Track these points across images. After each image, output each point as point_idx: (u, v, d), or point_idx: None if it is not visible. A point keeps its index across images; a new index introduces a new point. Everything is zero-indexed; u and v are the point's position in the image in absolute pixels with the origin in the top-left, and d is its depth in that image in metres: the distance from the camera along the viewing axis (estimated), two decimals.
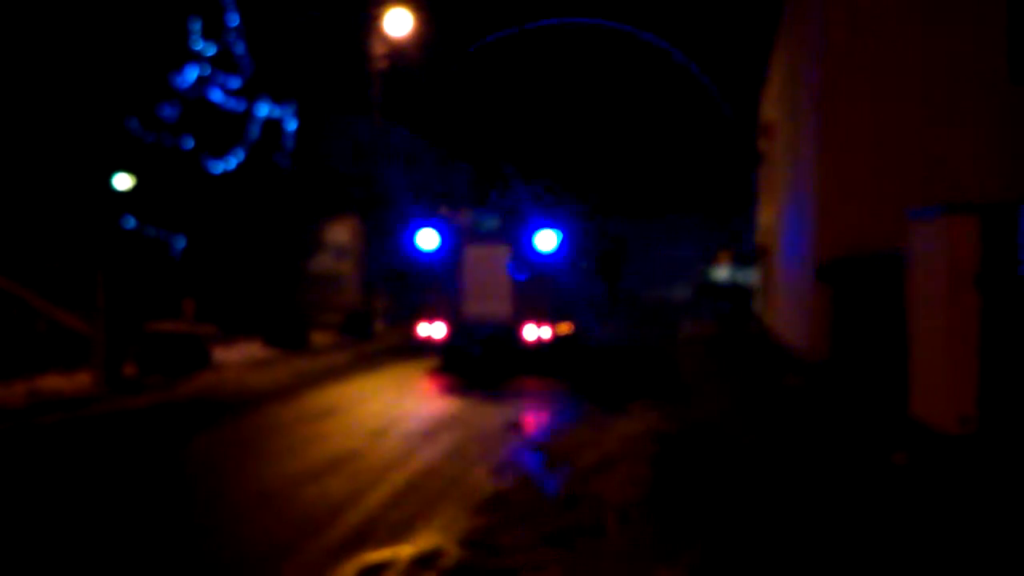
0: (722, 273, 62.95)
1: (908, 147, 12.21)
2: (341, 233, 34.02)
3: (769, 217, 24.36)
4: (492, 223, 17.51)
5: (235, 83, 29.03)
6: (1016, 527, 6.20)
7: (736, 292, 55.47)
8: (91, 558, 5.99)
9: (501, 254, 16.84)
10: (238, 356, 17.79)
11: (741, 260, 58.51)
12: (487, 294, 16.75)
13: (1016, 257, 7.16)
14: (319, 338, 22.60)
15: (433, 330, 16.77)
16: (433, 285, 17.10)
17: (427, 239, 17.23)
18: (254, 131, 29.56)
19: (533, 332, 16.30)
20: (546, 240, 16.74)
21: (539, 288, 16.60)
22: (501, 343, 16.54)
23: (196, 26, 28.03)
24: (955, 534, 6.10)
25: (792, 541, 6.02)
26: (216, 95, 28.56)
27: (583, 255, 18.80)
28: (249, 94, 29.39)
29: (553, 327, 16.50)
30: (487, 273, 16.79)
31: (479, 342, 16.76)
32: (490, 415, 11.77)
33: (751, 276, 53.12)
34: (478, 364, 16.87)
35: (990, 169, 11.66)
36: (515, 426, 10.92)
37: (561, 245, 16.91)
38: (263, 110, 29.85)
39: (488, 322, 16.59)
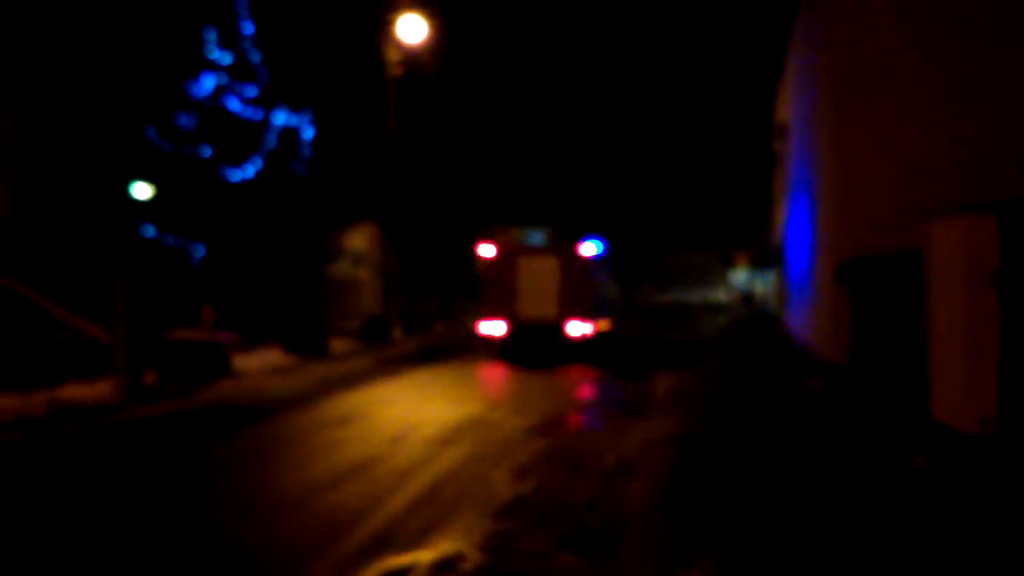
0: (740, 276, 63.10)
1: (925, 147, 12.17)
2: (359, 240, 34.11)
3: (786, 217, 24.30)
4: (539, 238, 21.04)
5: (251, 92, 29.17)
6: None
7: (751, 295, 56.07)
8: (114, 565, 6.02)
9: (548, 264, 20.11)
10: (258, 363, 17.88)
11: (759, 262, 58.63)
12: (537, 297, 19.96)
13: None
14: (338, 344, 22.69)
15: (494, 328, 20.21)
16: (493, 291, 20.46)
17: (487, 252, 20.70)
18: (271, 139, 29.69)
19: (577, 328, 19.64)
20: (588, 250, 20.13)
21: (580, 291, 19.90)
22: (550, 338, 19.76)
23: (212, 35, 28.21)
24: (976, 535, 6.08)
25: (812, 545, 6.02)
26: (233, 104, 28.71)
27: (611, 265, 22.48)
28: (266, 102, 29.53)
29: (594, 324, 19.95)
30: (537, 280, 20.06)
31: (532, 337, 20.07)
32: (510, 419, 11.79)
33: (769, 279, 53.58)
34: (531, 355, 19.89)
35: (1009, 169, 11.60)
36: (534, 430, 10.92)
37: (599, 254, 20.53)
38: (280, 118, 29.97)
39: (539, 321, 19.85)
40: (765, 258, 54.53)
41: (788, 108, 23.40)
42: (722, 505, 7.06)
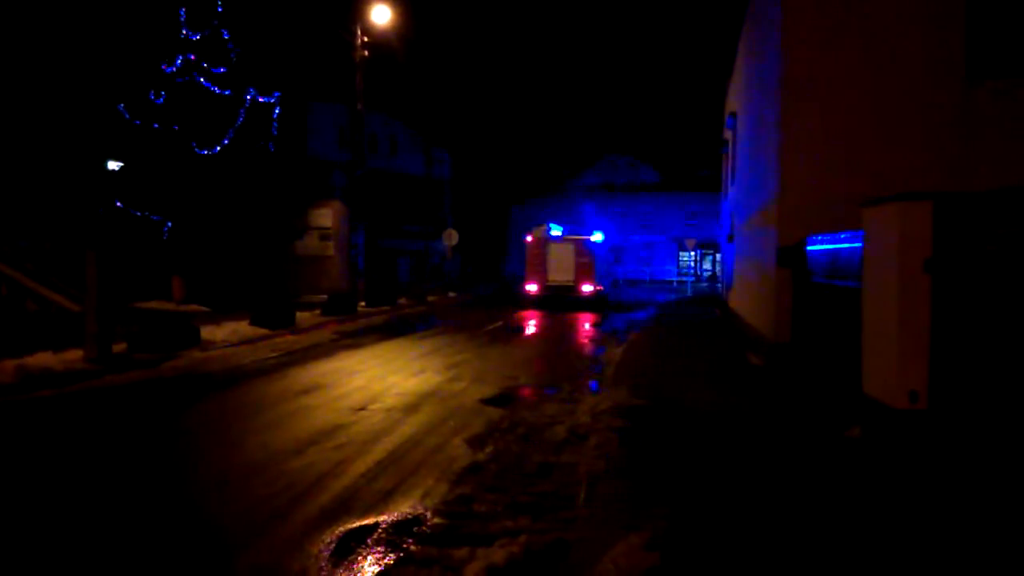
0: (689, 258, 65.11)
1: (867, 136, 12.51)
2: (325, 217, 34.31)
3: (734, 203, 24.76)
4: (560, 231, 32.23)
5: (222, 69, 29.19)
6: (955, 489, 6.58)
7: (712, 275, 58.07)
8: (80, 527, 6.22)
9: (567, 248, 31.58)
10: (226, 334, 18.01)
11: (707, 245, 60.80)
12: (560, 269, 31.40)
13: (966, 243, 7.50)
14: (305, 317, 22.85)
15: (532, 288, 31.68)
16: (532, 265, 31.87)
17: (528, 239, 32.11)
18: (240, 116, 29.72)
19: (586, 289, 31.23)
20: (592, 239, 31.82)
21: (587, 266, 31.33)
22: (567, 294, 31.11)
23: (183, 14, 28.17)
24: (902, 496, 6.46)
25: (751, 507, 6.34)
26: (203, 81, 28.71)
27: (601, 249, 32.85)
28: (235, 80, 29.55)
29: (595, 286, 31.34)
30: (560, 258, 31.47)
31: (556, 294, 31.16)
32: (469, 390, 12.10)
33: (717, 260, 55.57)
34: (554, 304, 30.94)
35: (946, 162, 11.97)
36: (492, 400, 11.27)
37: (598, 243, 32.04)
38: (249, 96, 30.00)
39: (561, 284, 31.31)
40: (712, 242, 56.75)
41: (737, 97, 23.74)
42: (667, 471, 7.34)
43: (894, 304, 7.83)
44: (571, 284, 31.00)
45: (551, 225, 32.23)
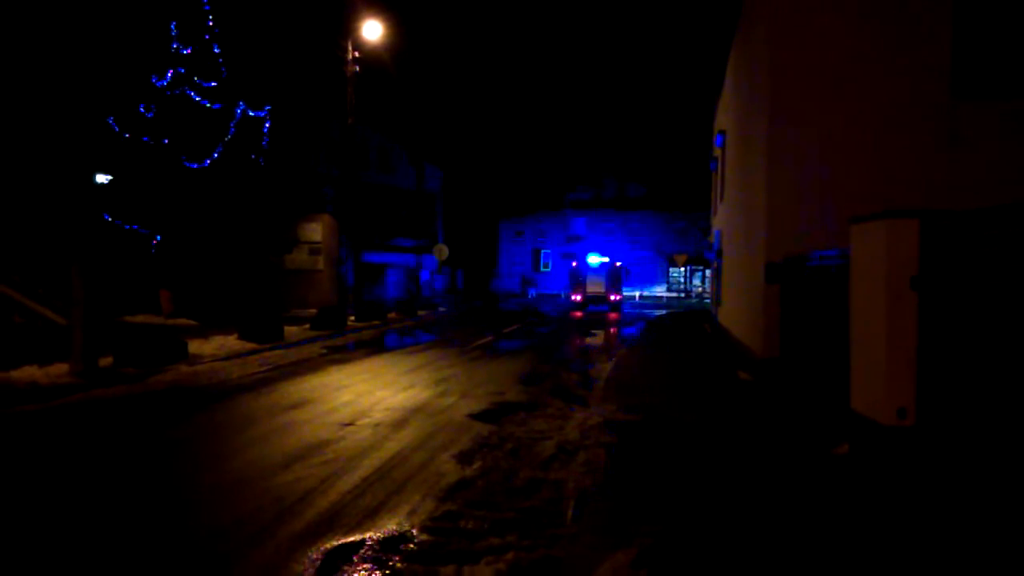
0: (679, 274, 65.72)
1: (854, 155, 12.60)
2: (315, 231, 34.29)
3: (723, 219, 24.84)
4: (594, 256, 45.14)
5: (212, 83, 29.21)
6: (943, 505, 6.59)
7: (702, 292, 58.86)
8: (63, 542, 6.17)
9: (601, 269, 43.68)
10: (214, 348, 17.97)
11: (696, 262, 61.34)
12: (597, 283, 43.53)
13: (952, 261, 7.53)
14: (293, 331, 22.82)
15: (576, 297, 43.83)
16: (577, 280, 44.08)
17: (574, 265, 44.49)
18: (231, 130, 29.72)
19: (614, 296, 43.47)
20: (616, 264, 44.24)
21: (615, 280, 43.59)
22: (601, 300, 43.48)
23: (175, 28, 28.20)
24: (890, 513, 6.47)
25: (739, 524, 6.32)
26: (193, 95, 28.72)
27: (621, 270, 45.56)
28: (226, 94, 29.56)
29: (619, 296, 43.82)
30: (597, 276, 43.60)
31: (593, 300, 43.61)
32: (458, 405, 12.07)
33: (706, 277, 56.48)
34: (591, 307, 44.23)
35: (933, 179, 12.07)
36: (481, 416, 11.23)
37: (621, 266, 44.86)
38: (239, 110, 30.01)
39: (597, 293, 43.58)
40: (701, 258, 57.50)
41: (726, 115, 23.85)
42: (655, 488, 7.32)
43: (881, 321, 7.84)
44: (603, 294, 43.72)
45: (589, 253, 45.95)
